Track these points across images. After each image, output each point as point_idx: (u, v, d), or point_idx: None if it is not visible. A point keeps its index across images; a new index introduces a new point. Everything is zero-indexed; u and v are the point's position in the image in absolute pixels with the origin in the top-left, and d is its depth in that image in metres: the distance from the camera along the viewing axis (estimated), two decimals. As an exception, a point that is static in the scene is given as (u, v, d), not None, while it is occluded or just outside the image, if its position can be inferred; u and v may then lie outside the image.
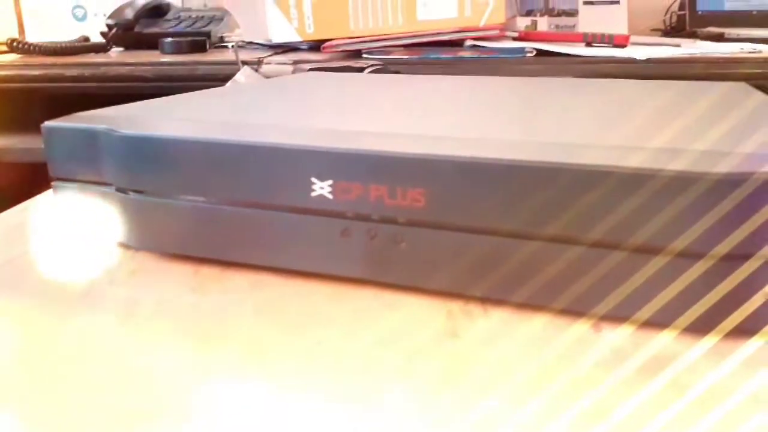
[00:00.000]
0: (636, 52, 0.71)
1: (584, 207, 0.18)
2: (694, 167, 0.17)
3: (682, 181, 0.17)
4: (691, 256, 0.18)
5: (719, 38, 0.87)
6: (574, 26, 1.02)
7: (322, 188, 0.21)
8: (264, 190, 0.22)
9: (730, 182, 0.17)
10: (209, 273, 0.23)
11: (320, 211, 0.21)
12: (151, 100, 0.30)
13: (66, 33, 0.99)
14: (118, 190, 0.24)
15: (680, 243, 0.18)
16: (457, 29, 0.77)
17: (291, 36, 0.83)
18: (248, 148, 0.22)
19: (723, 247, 0.17)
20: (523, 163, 0.19)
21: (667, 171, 0.17)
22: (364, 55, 0.75)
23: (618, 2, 1.02)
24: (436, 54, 0.72)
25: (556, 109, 0.28)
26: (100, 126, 0.24)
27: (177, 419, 0.15)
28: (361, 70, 0.64)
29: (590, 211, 0.18)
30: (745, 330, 0.18)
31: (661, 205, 0.17)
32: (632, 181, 0.18)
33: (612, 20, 1.01)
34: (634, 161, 0.18)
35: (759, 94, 0.31)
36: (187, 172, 0.23)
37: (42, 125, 0.25)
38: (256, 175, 0.22)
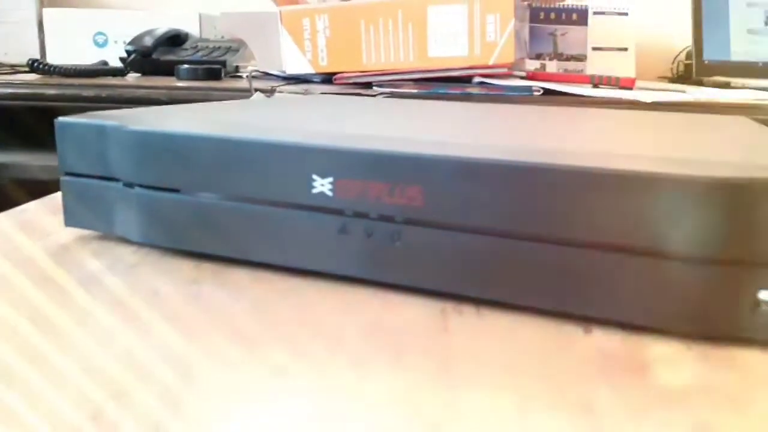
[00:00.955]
0: (642, 95, 0.72)
1: (578, 209, 0.19)
2: (684, 171, 0.18)
3: (673, 185, 0.17)
4: (682, 259, 0.18)
5: (725, 87, 0.89)
6: (582, 71, 1.04)
7: (322, 185, 0.21)
8: (266, 186, 0.22)
9: (723, 187, 0.17)
10: (209, 268, 0.24)
11: (320, 208, 0.22)
12: (163, 106, 0.31)
13: (87, 58, 1.02)
14: (125, 185, 0.25)
15: (672, 246, 0.18)
16: (466, 67, 0.79)
17: (304, 68, 0.85)
18: (252, 144, 0.22)
19: (714, 252, 0.18)
20: (519, 164, 0.19)
21: (657, 174, 0.18)
22: (375, 88, 0.76)
23: (626, 49, 1.04)
24: (445, 89, 0.74)
25: (556, 125, 0.28)
26: (110, 122, 0.25)
27: (158, 398, 0.15)
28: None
29: (583, 213, 0.18)
30: (736, 336, 0.18)
31: (653, 208, 0.18)
32: (624, 183, 0.18)
33: (620, 67, 1.03)
34: (627, 165, 0.18)
35: (756, 124, 0.31)
36: (192, 167, 0.23)
37: (55, 120, 0.26)
38: (260, 171, 0.22)
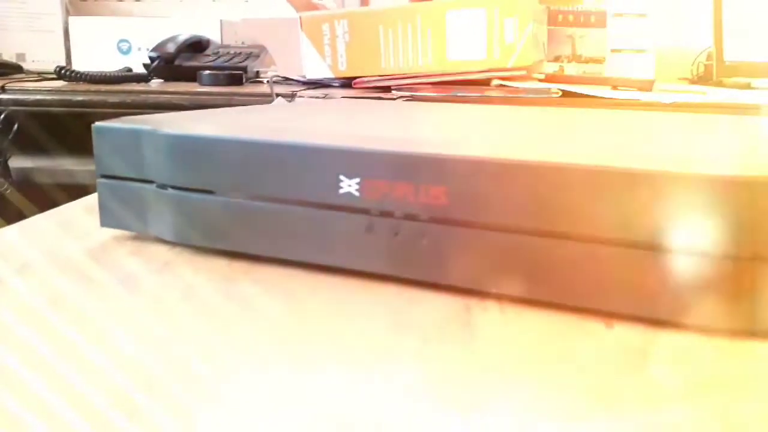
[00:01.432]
0: (661, 96, 0.72)
1: (600, 207, 0.19)
2: (708, 170, 0.18)
3: (696, 183, 0.18)
4: (703, 255, 0.18)
5: (747, 88, 0.88)
6: (601, 73, 1.03)
7: (350, 186, 0.22)
8: (295, 187, 0.23)
9: (746, 185, 0.18)
10: (241, 265, 0.24)
11: (347, 207, 0.22)
12: (194, 111, 0.32)
13: (111, 65, 1.04)
14: (159, 186, 0.26)
15: (694, 242, 0.18)
16: (485, 70, 0.79)
17: (324, 72, 0.86)
18: (282, 147, 0.23)
19: (735, 248, 0.18)
20: (539, 163, 0.20)
21: (681, 172, 0.18)
22: (394, 91, 0.77)
23: (645, 51, 1.04)
24: (463, 92, 0.74)
25: (575, 126, 0.29)
26: (145, 126, 0.26)
27: (194, 390, 0.16)
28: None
29: (606, 211, 0.19)
30: (756, 329, 0.18)
31: (676, 206, 0.18)
32: (647, 182, 0.18)
33: (639, 69, 1.03)
34: (651, 164, 0.19)
35: None
36: (224, 169, 0.24)
37: (93, 125, 0.27)
38: (288, 172, 0.23)
